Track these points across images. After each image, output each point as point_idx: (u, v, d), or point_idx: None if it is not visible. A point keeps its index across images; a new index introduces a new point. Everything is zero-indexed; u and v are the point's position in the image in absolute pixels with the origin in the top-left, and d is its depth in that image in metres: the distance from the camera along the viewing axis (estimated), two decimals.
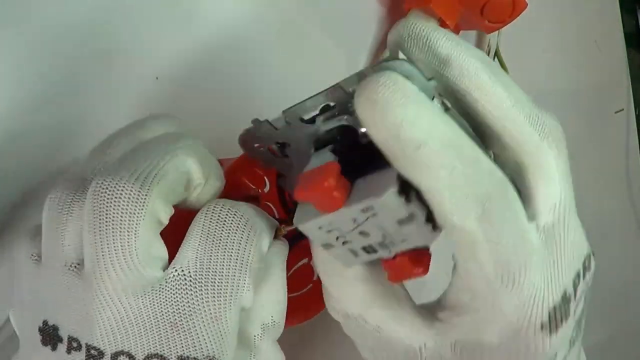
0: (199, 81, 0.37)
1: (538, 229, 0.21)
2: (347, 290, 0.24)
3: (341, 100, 0.22)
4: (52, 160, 0.32)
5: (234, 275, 0.21)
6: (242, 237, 0.22)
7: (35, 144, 0.32)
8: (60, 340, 0.21)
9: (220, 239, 0.22)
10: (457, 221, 0.19)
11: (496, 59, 0.46)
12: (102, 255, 0.20)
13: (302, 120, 0.23)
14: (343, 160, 0.21)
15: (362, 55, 0.42)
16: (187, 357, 0.21)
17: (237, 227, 0.22)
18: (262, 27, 0.39)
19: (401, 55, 0.22)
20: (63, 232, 0.21)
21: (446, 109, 0.20)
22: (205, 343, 0.21)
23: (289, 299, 0.25)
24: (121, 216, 0.20)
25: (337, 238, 0.21)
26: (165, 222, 0.21)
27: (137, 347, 0.20)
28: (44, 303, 0.22)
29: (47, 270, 0.22)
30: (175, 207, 0.22)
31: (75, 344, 0.21)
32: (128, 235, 0.20)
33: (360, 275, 0.24)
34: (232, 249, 0.22)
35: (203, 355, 0.21)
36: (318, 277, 0.30)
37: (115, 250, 0.20)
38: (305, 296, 0.29)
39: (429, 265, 0.22)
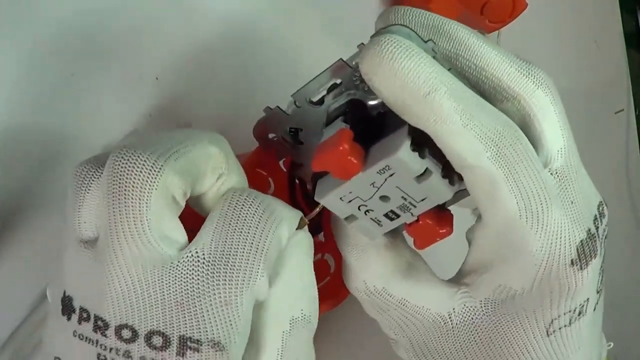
0: (199, 81, 0.37)
1: (552, 173, 0.22)
2: (371, 263, 0.24)
3: (346, 75, 0.22)
4: (52, 160, 0.32)
5: (248, 260, 0.21)
6: (259, 223, 0.22)
7: (35, 143, 0.32)
8: (74, 310, 0.21)
9: (237, 223, 0.21)
10: (474, 162, 0.20)
11: None
12: (115, 224, 0.20)
13: (311, 102, 0.23)
14: (355, 132, 0.21)
15: None
16: (190, 338, 0.20)
17: (255, 212, 0.22)
18: (263, 27, 0.39)
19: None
20: (80, 206, 0.21)
21: (447, 69, 0.21)
22: (211, 326, 0.21)
23: None
24: (133, 185, 0.20)
25: (359, 208, 0.22)
26: (182, 201, 0.21)
27: (141, 321, 0.20)
28: (63, 275, 0.22)
29: (65, 242, 0.22)
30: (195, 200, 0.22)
31: (85, 315, 0.21)
32: (140, 204, 0.20)
33: (383, 247, 0.24)
34: (248, 233, 0.21)
35: (207, 338, 0.20)
36: (334, 271, 0.30)
37: (127, 219, 0.20)
38: (324, 288, 0.29)
39: (452, 224, 0.23)
